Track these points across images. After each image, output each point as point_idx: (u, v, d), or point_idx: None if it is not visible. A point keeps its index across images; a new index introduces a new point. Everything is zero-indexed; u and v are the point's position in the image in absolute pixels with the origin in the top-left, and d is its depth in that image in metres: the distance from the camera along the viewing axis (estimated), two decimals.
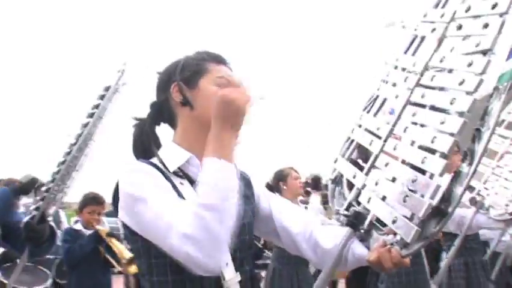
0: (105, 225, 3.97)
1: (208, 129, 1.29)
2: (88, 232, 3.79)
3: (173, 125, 1.38)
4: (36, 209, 2.57)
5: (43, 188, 2.63)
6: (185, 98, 1.31)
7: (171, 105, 1.35)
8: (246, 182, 1.44)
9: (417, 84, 1.32)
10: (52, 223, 2.77)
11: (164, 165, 1.25)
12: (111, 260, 3.74)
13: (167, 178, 1.23)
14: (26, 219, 2.59)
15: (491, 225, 2.66)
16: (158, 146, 1.37)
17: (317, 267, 1.46)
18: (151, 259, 1.20)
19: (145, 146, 1.35)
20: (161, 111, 1.38)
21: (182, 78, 1.33)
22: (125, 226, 1.24)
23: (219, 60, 1.38)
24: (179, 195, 1.21)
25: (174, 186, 1.22)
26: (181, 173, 1.27)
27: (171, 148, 1.32)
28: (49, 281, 3.68)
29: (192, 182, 1.26)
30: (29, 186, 2.85)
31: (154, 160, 1.28)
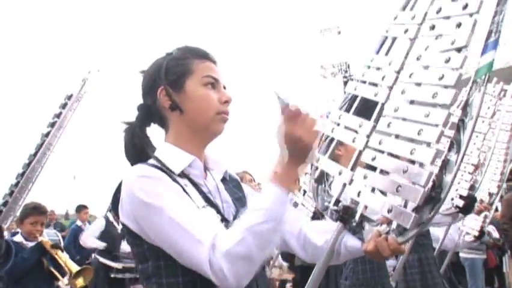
0: (45, 236, 3.75)
1: (201, 132, 1.29)
2: (30, 244, 3.56)
3: (163, 125, 1.35)
4: None
5: (1, 201, 2.49)
6: (174, 103, 1.29)
7: (160, 109, 1.32)
8: (236, 184, 1.44)
9: (396, 82, 1.38)
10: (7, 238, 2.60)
11: (167, 168, 1.22)
12: (55, 272, 3.54)
13: (174, 181, 1.20)
14: None
15: (441, 220, 2.79)
16: (152, 148, 1.33)
17: (309, 263, 1.47)
18: (159, 261, 1.17)
19: (137, 149, 1.31)
20: (150, 114, 1.35)
21: (168, 82, 1.30)
22: (128, 230, 1.20)
23: (202, 55, 1.35)
24: (188, 195, 1.20)
25: (183, 189, 1.20)
26: (184, 176, 1.24)
27: (170, 150, 1.29)
28: None
29: (194, 184, 1.24)
30: None
31: (154, 163, 1.24)
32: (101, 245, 5.55)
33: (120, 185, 1.22)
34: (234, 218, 1.28)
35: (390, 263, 2.88)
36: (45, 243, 3.54)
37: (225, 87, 1.36)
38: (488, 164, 3.15)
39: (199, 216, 1.15)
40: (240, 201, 1.38)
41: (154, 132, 1.39)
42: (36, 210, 3.69)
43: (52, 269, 3.54)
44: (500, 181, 3.40)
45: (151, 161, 1.26)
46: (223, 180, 1.40)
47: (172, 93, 1.29)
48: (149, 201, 1.14)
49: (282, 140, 1.14)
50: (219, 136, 1.36)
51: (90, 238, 5.71)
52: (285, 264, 4.78)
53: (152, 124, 1.38)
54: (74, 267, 3.60)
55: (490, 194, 3.45)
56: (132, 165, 1.28)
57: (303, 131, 1.13)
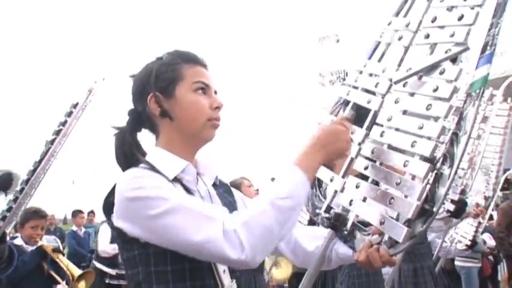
0: (44, 241, 3.77)
1: (192, 138, 1.27)
2: (30, 248, 3.58)
3: (154, 131, 1.32)
4: None
5: (4, 208, 2.51)
6: (164, 110, 1.26)
7: (150, 116, 1.29)
8: (227, 189, 1.43)
9: (389, 90, 1.36)
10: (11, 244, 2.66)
11: (160, 173, 1.19)
12: (55, 276, 3.55)
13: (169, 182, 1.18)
14: None
15: (433, 225, 2.82)
16: (143, 153, 1.30)
17: (300, 267, 1.47)
18: (150, 267, 1.15)
19: (127, 155, 1.28)
20: (141, 119, 1.32)
21: (158, 89, 1.26)
22: (119, 234, 1.17)
23: (192, 60, 1.32)
24: None
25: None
26: (177, 181, 1.22)
27: (162, 155, 1.26)
28: None
29: (186, 189, 1.22)
30: (5, 181, 2.64)
31: (146, 166, 1.21)
32: None
33: (112, 189, 1.19)
34: None
35: (385, 270, 2.91)
36: (46, 247, 3.56)
37: (216, 92, 1.33)
38: (478, 167, 3.18)
39: (204, 203, 1.15)
40: (230, 206, 1.36)
41: (145, 136, 1.36)
42: (36, 214, 3.71)
43: (52, 273, 3.55)
44: (496, 184, 3.44)
45: (143, 165, 1.23)
46: (214, 185, 1.38)
47: (162, 100, 1.26)
48: (143, 194, 1.11)
49: (326, 135, 1.22)
50: (210, 142, 1.34)
51: (108, 246, 5.73)
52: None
53: (142, 129, 1.35)
54: (76, 271, 3.63)
55: (486, 198, 3.49)
56: (123, 170, 1.25)
57: (347, 141, 1.26)
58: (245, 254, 1.03)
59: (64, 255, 3.62)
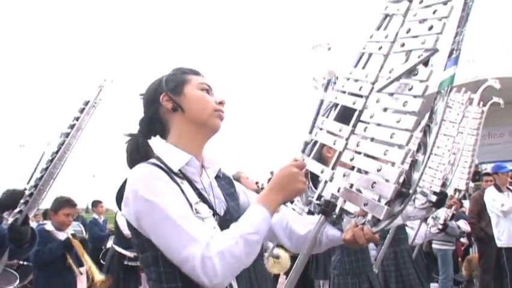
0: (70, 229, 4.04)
1: (201, 127, 1.41)
2: (60, 233, 3.87)
3: (164, 135, 1.46)
4: (20, 212, 2.66)
5: (26, 193, 2.69)
6: (176, 103, 1.40)
7: (162, 114, 1.43)
8: (228, 181, 1.55)
9: (371, 92, 1.50)
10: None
11: (167, 166, 1.32)
12: (75, 269, 3.77)
13: (171, 178, 1.30)
14: (10, 221, 2.69)
15: (417, 214, 2.97)
16: (154, 155, 1.42)
17: (293, 251, 1.59)
18: (157, 251, 1.25)
19: (141, 156, 1.40)
20: (152, 124, 1.45)
21: (169, 89, 1.42)
22: (128, 223, 1.30)
23: (195, 72, 1.49)
24: (184, 194, 1.29)
25: (179, 186, 1.30)
26: (181, 174, 1.34)
27: (170, 149, 1.39)
28: (17, 282, 3.67)
29: (190, 181, 1.35)
30: (10, 200, 2.79)
31: (155, 161, 1.34)
32: None
33: (124, 183, 1.31)
34: (225, 212, 1.39)
35: (372, 253, 3.10)
36: (74, 242, 3.78)
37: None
38: (457, 163, 3.39)
39: (195, 220, 1.25)
40: (231, 196, 1.49)
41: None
42: (69, 203, 3.98)
43: (73, 265, 3.77)
44: (468, 178, 3.66)
45: (152, 160, 1.36)
46: (217, 177, 1.50)
47: (173, 97, 1.41)
48: (151, 198, 1.22)
49: (283, 178, 1.36)
50: (216, 133, 1.47)
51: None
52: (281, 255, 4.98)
53: (152, 137, 1.48)
54: (97, 275, 3.79)
55: (458, 190, 3.71)
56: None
57: (302, 182, 1.38)
58: (216, 280, 1.17)
59: (86, 246, 3.81)
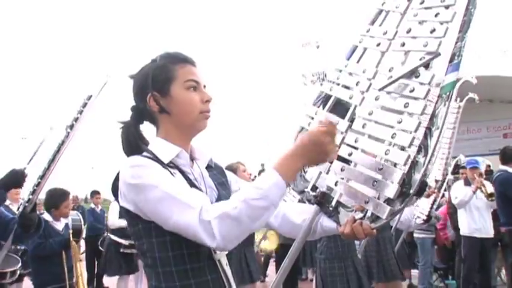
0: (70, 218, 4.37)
1: (187, 129, 1.39)
2: (56, 223, 4.08)
3: (154, 123, 1.43)
4: (28, 200, 2.84)
5: (35, 182, 2.82)
6: (162, 107, 1.36)
7: (150, 112, 1.40)
8: (220, 170, 1.52)
9: (369, 88, 1.49)
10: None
11: (158, 158, 1.29)
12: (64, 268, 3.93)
13: (164, 168, 1.28)
14: (20, 209, 2.90)
15: None
16: (146, 143, 1.41)
17: (288, 237, 1.60)
18: (152, 238, 1.26)
19: (132, 145, 1.38)
20: (142, 114, 1.42)
21: (155, 89, 1.37)
22: (126, 212, 1.28)
23: (182, 60, 1.41)
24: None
25: (171, 174, 1.28)
26: (172, 165, 1.32)
27: (160, 143, 1.37)
28: (19, 265, 4.05)
29: (181, 171, 1.33)
30: (13, 179, 2.91)
31: (147, 154, 1.31)
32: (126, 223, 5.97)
33: (117, 175, 1.30)
34: (216, 201, 1.36)
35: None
36: (73, 245, 4.03)
37: (205, 86, 1.42)
38: (436, 155, 3.61)
39: (189, 189, 1.23)
40: (222, 186, 1.46)
41: (147, 128, 1.46)
42: (66, 195, 4.21)
43: (64, 264, 3.94)
44: (446, 169, 3.97)
45: (145, 153, 1.33)
46: (208, 167, 1.47)
47: (160, 99, 1.36)
48: (140, 182, 1.21)
49: (310, 145, 1.22)
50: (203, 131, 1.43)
51: (116, 220, 6.33)
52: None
53: (144, 122, 1.44)
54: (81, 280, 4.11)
55: (436, 181, 3.95)
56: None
57: (331, 146, 1.24)
58: (216, 242, 1.14)
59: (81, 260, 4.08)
